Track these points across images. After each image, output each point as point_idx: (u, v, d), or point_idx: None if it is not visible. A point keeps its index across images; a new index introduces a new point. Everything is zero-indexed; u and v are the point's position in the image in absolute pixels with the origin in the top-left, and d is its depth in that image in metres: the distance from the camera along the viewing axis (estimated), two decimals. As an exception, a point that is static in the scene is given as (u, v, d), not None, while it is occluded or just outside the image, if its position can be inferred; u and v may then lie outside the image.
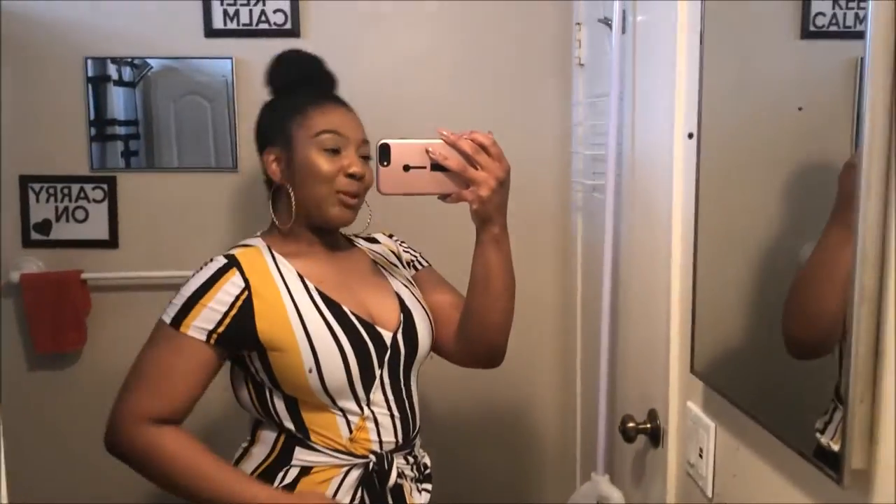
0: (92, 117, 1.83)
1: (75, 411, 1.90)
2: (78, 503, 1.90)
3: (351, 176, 1.20)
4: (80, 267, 1.84)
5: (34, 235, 1.85)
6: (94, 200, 1.85)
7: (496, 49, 1.86)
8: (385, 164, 1.13)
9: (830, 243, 0.75)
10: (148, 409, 1.14)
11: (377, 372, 1.20)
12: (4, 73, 1.79)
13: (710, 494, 1.06)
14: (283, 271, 1.20)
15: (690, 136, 1.08)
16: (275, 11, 1.80)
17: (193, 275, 1.18)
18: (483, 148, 1.12)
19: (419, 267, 1.40)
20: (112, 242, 1.86)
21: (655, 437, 1.26)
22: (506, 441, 2.00)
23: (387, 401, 1.21)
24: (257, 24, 1.80)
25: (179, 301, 1.16)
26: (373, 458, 1.19)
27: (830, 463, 0.73)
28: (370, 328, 1.20)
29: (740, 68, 0.99)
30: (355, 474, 1.19)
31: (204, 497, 1.12)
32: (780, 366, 0.87)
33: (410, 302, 1.28)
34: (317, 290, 1.19)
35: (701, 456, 1.08)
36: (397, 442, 1.22)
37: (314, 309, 1.17)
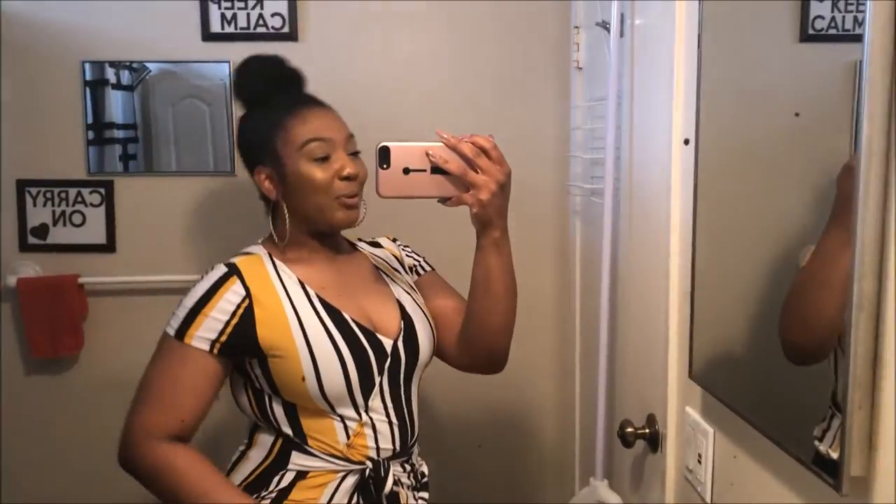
0: (90, 121, 1.82)
1: (72, 416, 1.90)
2: (75, 508, 1.89)
3: (346, 178, 1.20)
4: (78, 271, 1.83)
5: (31, 240, 1.84)
6: (92, 205, 1.84)
7: (495, 52, 1.86)
8: (385, 166, 1.12)
9: (829, 247, 0.74)
10: (159, 424, 1.14)
11: (377, 379, 1.19)
12: (1, 76, 1.79)
13: (708, 500, 1.06)
14: (283, 278, 1.20)
15: (686, 142, 1.08)
16: (272, 15, 1.80)
17: (195, 285, 1.18)
18: (484, 151, 1.11)
19: (422, 272, 1.39)
20: (109, 247, 1.85)
21: (654, 442, 1.26)
22: (504, 445, 1.99)
23: (385, 408, 1.21)
24: (255, 28, 1.80)
25: (182, 312, 1.15)
26: (369, 464, 1.19)
27: (829, 470, 0.73)
28: (371, 336, 1.20)
29: (739, 72, 0.98)
30: (351, 480, 1.19)
31: None
32: (779, 372, 0.86)
33: (411, 308, 1.27)
34: (318, 296, 1.19)
35: (700, 461, 1.08)
36: (395, 449, 1.22)
37: (315, 316, 1.17)
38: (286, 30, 1.81)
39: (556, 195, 1.90)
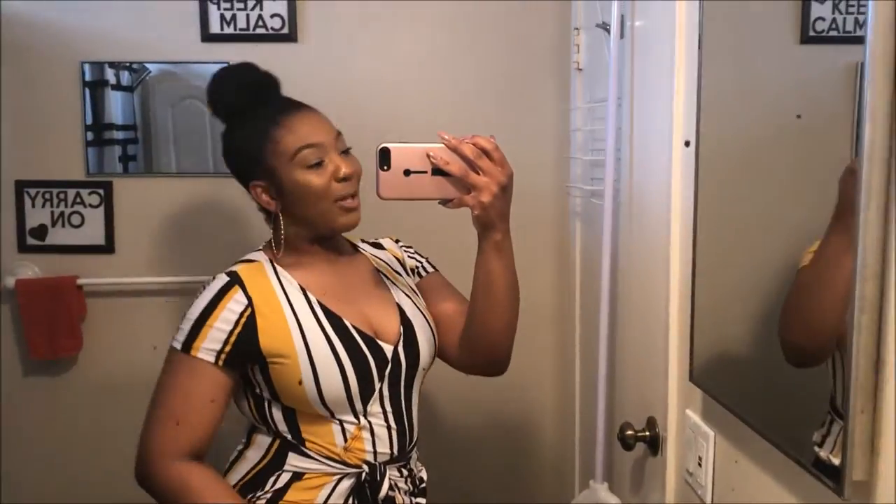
0: (89, 122, 1.82)
1: (71, 417, 1.89)
2: (73, 509, 1.89)
3: (343, 179, 1.19)
4: (76, 272, 1.83)
5: (30, 240, 1.84)
6: (91, 205, 1.84)
7: (495, 53, 1.86)
8: (385, 168, 1.10)
9: (830, 249, 0.74)
10: (174, 441, 1.13)
11: (377, 386, 1.19)
12: (1, 77, 1.79)
13: (709, 503, 1.05)
14: (285, 285, 1.19)
15: (687, 143, 1.07)
16: (272, 16, 1.80)
17: (197, 296, 1.17)
18: (485, 152, 1.09)
19: (424, 273, 1.38)
20: (108, 248, 1.85)
21: (654, 444, 1.25)
22: (503, 448, 1.99)
23: (385, 412, 1.21)
24: (254, 29, 1.80)
25: (187, 325, 1.15)
26: (365, 468, 1.19)
27: (830, 474, 0.72)
28: (371, 342, 1.19)
29: (739, 73, 0.98)
30: (347, 483, 1.18)
31: None
32: (781, 374, 0.86)
33: (412, 313, 1.27)
34: (319, 303, 1.19)
35: (700, 464, 1.07)
36: (392, 454, 1.22)
37: (316, 323, 1.16)
38: (285, 31, 1.80)
39: (556, 197, 1.90)
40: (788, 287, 0.84)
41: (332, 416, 1.17)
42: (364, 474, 1.18)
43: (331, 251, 1.26)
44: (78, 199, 1.84)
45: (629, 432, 1.28)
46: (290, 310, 1.16)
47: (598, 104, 1.60)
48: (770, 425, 0.88)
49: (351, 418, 1.18)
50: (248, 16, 1.80)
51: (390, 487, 1.20)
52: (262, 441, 1.21)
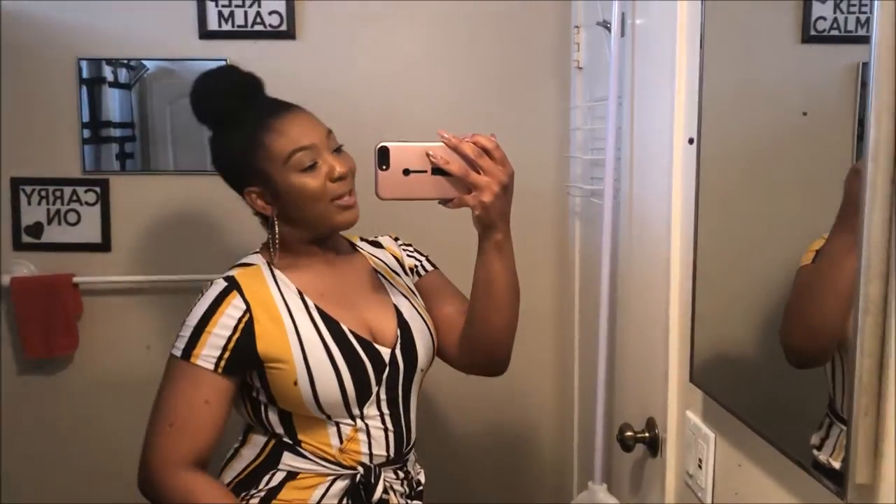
0: (86, 119, 1.81)
1: (67, 416, 1.88)
2: (69, 509, 1.88)
3: (338, 178, 1.18)
4: (72, 270, 1.82)
5: (25, 238, 1.83)
6: (87, 203, 1.83)
7: (494, 52, 1.85)
8: (384, 167, 1.08)
9: (834, 250, 0.73)
10: (177, 450, 1.13)
11: (374, 389, 1.19)
12: (-3, 73, 1.78)
13: (708, 505, 1.05)
14: (282, 289, 1.19)
15: (691, 141, 1.06)
16: (270, 13, 1.79)
17: (196, 302, 1.16)
18: (486, 151, 1.07)
19: (423, 272, 1.37)
20: (104, 246, 1.84)
21: (654, 446, 1.25)
22: (502, 449, 1.98)
23: (381, 415, 1.20)
24: (252, 26, 1.79)
25: (186, 332, 1.14)
26: (360, 469, 1.18)
27: (831, 477, 0.72)
28: (368, 346, 1.19)
29: (740, 73, 0.97)
30: (341, 484, 1.18)
31: None
32: (783, 376, 0.85)
33: (409, 314, 1.26)
34: (316, 307, 1.18)
35: (700, 466, 1.07)
36: (388, 456, 1.21)
37: (313, 329, 1.16)
38: (284, 28, 1.79)
39: (556, 196, 1.89)
40: (790, 287, 0.83)
41: (329, 418, 1.17)
42: (359, 476, 1.18)
43: (329, 251, 1.25)
44: (74, 197, 1.82)
45: (628, 433, 1.27)
46: (287, 315, 1.16)
47: (599, 103, 1.59)
48: (772, 427, 0.87)
49: (347, 420, 1.18)
50: (246, 13, 1.79)
51: (385, 490, 1.19)
52: (258, 440, 1.21)
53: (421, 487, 1.28)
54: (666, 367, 1.18)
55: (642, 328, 1.32)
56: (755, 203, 0.95)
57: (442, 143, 1.08)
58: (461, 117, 1.84)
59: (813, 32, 0.79)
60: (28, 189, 1.82)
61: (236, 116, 1.19)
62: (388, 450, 1.20)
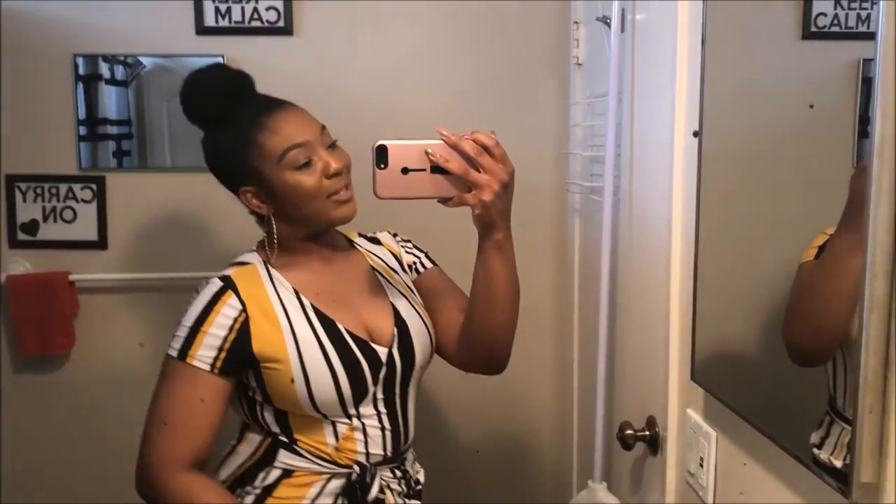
0: (83, 116, 1.80)
1: (64, 415, 1.88)
2: (66, 507, 1.87)
3: (333, 174, 1.17)
4: (68, 268, 1.81)
5: (21, 236, 1.82)
6: (83, 200, 1.82)
7: (493, 48, 1.84)
8: (382, 166, 1.06)
9: (840, 249, 0.72)
10: (176, 453, 1.12)
11: (370, 389, 1.18)
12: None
13: (710, 504, 1.04)
14: (278, 288, 1.18)
15: (695, 134, 1.05)
16: (267, 9, 1.78)
17: (191, 302, 1.16)
18: (486, 149, 1.05)
19: (421, 269, 1.36)
20: (101, 243, 1.83)
21: (654, 444, 1.24)
22: (501, 447, 1.97)
23: (378, 414, 1.19)
24: (249, 22, 1.78)
25: (182, 332, 1.14)
26: (356, 468, 1.17)
27: (833, 475, 0.72)
28: (365, 346, 1.18)
29: (742, 69, 0.97)
30: (337, 483, 1.18)
31: None
32: (785, 373, 0.85)
33: (406, 313, 1.25)
34: (312, 306, 1.17)
35: (701, 465, 1.06)
36: (385, 455, 1.20)
37: (309, 328, 1.15)
38: (281, 24, 1.78)
39: (555, 193, 1.88)
40: (792, 283, 0.83)
41: (325, 417, 1.16)
42: (354, 475, 1.17)
43: (325, 248, 1.25)
44: (70, 194, 1.81)
45: (629, 432, 1.27)
46: (283, 314, 1.15)
47: (598, 99, 1.58)
48: (775, 425, 0.87)
49: (343, 419, 1.17)
50: (242, 8, 1.77)
51: (380, 489, 1.19)
52: (254, 437, 1.21)
53: (420, 487, 1.27)
54: (666, 365, 1.17)
55: (642, 325, 1.31)
56: (756, 200, 0.95)
57: (441, 141, 1.06)
58: (460, 114, 1.83)
59: (814, 29, 0.79)
60: (24, 186, 1.81)
61: (227, 115, 1.18)
62: (384, 449, 1.20)
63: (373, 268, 1.30)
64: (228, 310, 1.13)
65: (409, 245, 1.40)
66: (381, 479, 1.19)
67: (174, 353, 1.13)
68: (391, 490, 1.21)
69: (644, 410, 1.28)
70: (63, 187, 1.81)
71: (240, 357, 1.13)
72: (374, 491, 1.17)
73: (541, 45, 1.84)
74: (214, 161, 1.22)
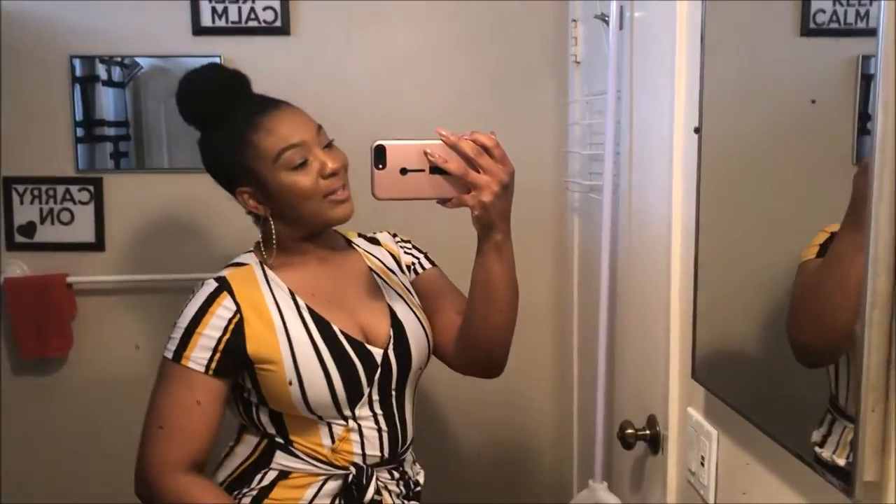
0: (79, 118, 1.80)
1: (62, 417, 1.87)
2: (65, 509, 1.87)
3: (330, 175, 1.16)
4: (66, 270, 1.81)
5: (18, 238, 1.82)
6: (80, 202, 1.81)
7: (491, 47, 1.84)
8: (380, 167, 1.04)
9: (845, 248, 0.71)
10: (174, 455, 1.12)
11: (365, 390, 1.17)
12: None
13: (711, 503, 1.03)
14: (274, 289, 1.18)
15: (696, 130, 1.05)
16: (264, 9, 1.77)
17: (187, 303, 1.16)
18: (485, 149, 1.04)
19: (420, 270, 1.35)
20: (98, 245, 1.83)
21: (655, 443, 1.24)
22: (501, 447, 1.97)
23: (374, 415, 1.19)
24: (246, 22, 1.78)
25: (177, 334, 1.14)
26: (353, 470, 1.17)
27: (835, 474, 0.71)
28: (360, 347, 1.17)
29: (740, 66, 0.97)
30: (333, 484, 1.17)
31: None
32: (786, 371, 0.84)
33: (403, 314, 1.24)
34: (307, 307, 1.17)
35: (703, 464, 1.05)
36: (383, 456, 1.20)
37: (303, 330, 1.15)
38: (278, 24, 1.78)
39: (554, 192, 1.88)
40: (794, 281, 0.82)
41: (320, 419, 1.16)
42: (351, 476, 1.17)
43: (323, 248, 1.24)
44: (67, 196, 1.81)
45: (629, 431, 1.26)
46: (278, 315, 1.15)
47: (597, 97, 1.58)
48: (776, 424, 0.86)
49: (339, 421, 1.17)
50: (239, 8, 1.77)
51: (377, 491, 1.18)
52: (251, 439, 1.20)
53: (419, 488, 1.27)
54: (667, 364, 1.17)
55: (643, 324, 1.31)
56: (756, 197, 0.94)
57: (440, 142, 1.04)
58: (458, 113, 1.83)
59: (812, 25, 0.78)
60: (21, 188, 1.80)
61: (223, 116, 1.18)
62: (381, 450, 1.19)
63: (370, 268, 1.29)
64: (223, 311, 1.13)
65: (409, 246, 1.39)
66: (379, 480, 1.19)
67: (169, 355, 1.13)
68: (389, 491, 1.20)
69: (644, 409, 1.28)
70: (60, 189, 1.80)
71: (234, 358, 1.12)
72: (371, 492, 1.17)
73: (539, 43, 1.84)
74: (211, 162, 1.22)
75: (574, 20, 1.75)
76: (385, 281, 1.28)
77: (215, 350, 1.12)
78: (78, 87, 1.79)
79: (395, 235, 1.39)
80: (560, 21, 1.82)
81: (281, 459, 1.17)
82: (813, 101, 0.81)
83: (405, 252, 1.37)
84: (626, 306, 1.41)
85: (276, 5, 1.77)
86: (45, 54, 1.77)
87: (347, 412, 1.16)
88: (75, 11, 1.77)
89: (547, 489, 1.97)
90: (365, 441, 1.18)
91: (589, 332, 1.62)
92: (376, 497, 1.18)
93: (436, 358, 1.31)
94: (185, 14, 1.77)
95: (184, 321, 1.14)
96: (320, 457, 1.17)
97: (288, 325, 1.14)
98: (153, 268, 1.82)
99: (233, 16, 1.77)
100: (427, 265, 1.36)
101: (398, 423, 1.21)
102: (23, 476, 1.88)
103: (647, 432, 1.24)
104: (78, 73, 1.78)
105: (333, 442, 1.16)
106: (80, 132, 1.80)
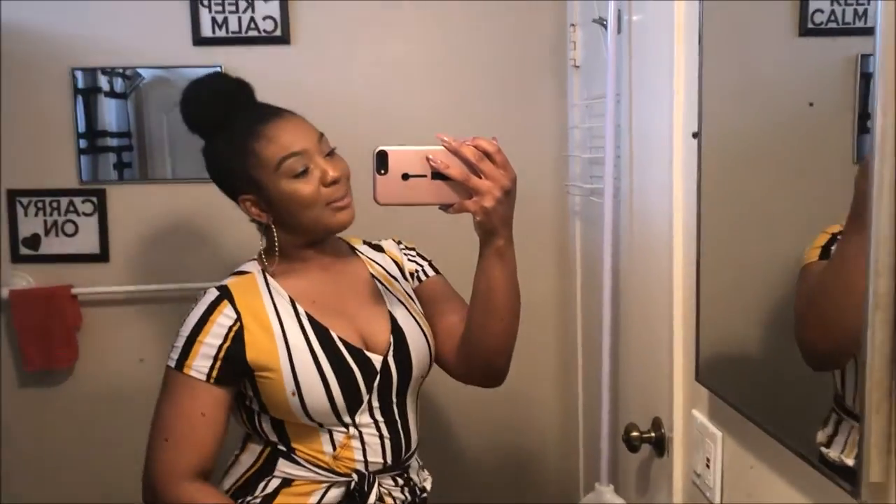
0: (82, 129, 1.80)
1: (69, 429, 1.87)
2: (72, 522, 1.86)
3: (331, 183, 1.17)
4: (71, 281, 1.81)
5: (23, 250, 1.82)
6: (84, 214, 1.82)
7: (490, 52, 1.84)
8: (382, 172, 1.05)
9: (849, 248, 0.71)
10: (180, 464, 1.13)
11: (365, 397, 1.17)
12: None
13: (718, 505, 1.04)
14: (275, 297, 1.18)
15: (695, 135, 1.05)
16: (264, 18, 1.78)
17: (189, 311, 1.17)
18: (487, 155, 1.04)
19: (423, 277, 1.35)
20: (102, 256, 1.83)
21: (660, 446, 1.23)
22: (506, 450, 1.97)
23: (375, 422, 1.19)
24: (246, 32, 1.78)
25: (179, 342, 1.15)
26: (355, 477, 1.17)
27: (841, 474, 0.71)
28: (358, 354, 1.17)
29: (739, 67, 0.97)
30: (336, 492, 1.17)
31: None
32: (790, 373, 0.84)
33: (404, 321, 1.24)
34: (307, 314, 1.17)
35: (708, 466, 1.05)
36: (385, 463, 1.20)
37: (302, 337, 1.15)
38: (278, 33, 1.78)
39: (555, 196, 1.88)
40: (796, 283, 0.82)
41: (320, 426, 1.16)
42: (353, 483, 1.17)
43: (326, 255, 1.24)
44: (71, 208, 1.81)
45: (634, 433, 1.26)
46: (277, 324, 1.15)
47: (596, 101, 1.58)
48: (780, 425, 0.86)
49: (339, 428, 1.17)
50: (239, 18, 1.77)
51: (379, 497, 1.18)
52: (254, 447, 1.21)
53: (425, 494, 1.26)
54: (671, 366, 1.17)
55: (646, 327, 1.31)
56: (757, 198, 0.94)
57: (442, 147, 1.05)
58: (458, 119, 1.83)
59: (811, 25, 0.79)
60: (25, 201, 1.81)
61: (226, 124, 1.19)
62: (384, 457, 1.19)
63: (372, 275, 1.29)
64: (224, 319, 1.14)
65: (413, 253, 1.38)
66: (382, 486, 1.19)
67: (172, 364, 1.14)
68: (393, 498, 1.20)
69: (649, 412, 1.28)
70: (64, 201, 1.81)
71: (234, 366, 1.13)
72: (372, 499, 1.17)
73: (537, 48, 1.84)
74: (214, 170, 1.23)
75: (572, 24, 1.75)
76: (387, 288, 1.28)
77: (216, 358, 1.12)
78: (80, 98, 1.79)
79: (399, 242, 1.39)
80: (558, 25, 1.82)
81: (284, 467, 1.17)
82: (811, 104, 0.81)
83: (409, 259, 1.37)
84: (629, 309, 1.41)
85: (276, 15, 1.77)
86: (46, 67, 1.78)
87: (347, 419, 1.16)
88: (76, 24, 1.77)
89: (553, 492, 1.96)
90: (367, 448, 1.18)
91: (593, 335, 1.62)
92: None
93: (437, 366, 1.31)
94: (185, 24, 1.77)
95: (185, 330, 1.15)
96: (322, 464, 1.17)
97: (287, 332, 1.15)
98: (158, 278, 1.83)
99: (233, 26, 1.77)
100: (431, 273, 1.36)
101: (401, 430, 1.21)
102: (28, 489, 1.87)
103: (652, 435, 1.24)
104: (80, 84, 1.79)
105: (335, 449, 1.17)
106: (82, 143, 1.80)
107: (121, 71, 1.79)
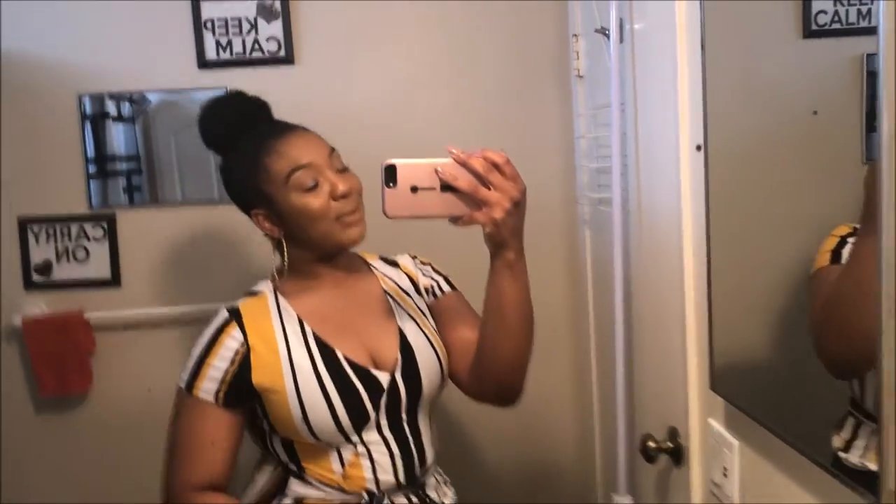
0: (91, 155, 1.81)
1: (84, 455, 1.87)
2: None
3: (341, 196, 1.17)
4: (83, 307, 1.82)
5: (35, 277, 1.83)
6: (95, 239, 1.83)
7: (494, 65, 1.84)
8: (391, 185, 1.04)
9: (864, 251, 0.69)
10: (189, 481, 1.15)
11: (371, 415, 1.16)
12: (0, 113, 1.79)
13: (737, 515, 1.02)
14: (284, 317, 1.19)
15: (699, 148, 1.04)
16: (268, 39, 1.79)
17: (202, 332, 1.18)
18: (496, 166, 1.03)
19: (439, 293, 1.33)
20: (114, 281, 1.84)
21: (677, 456, 1.22)
22: (523, 462, 1.95)
23: (384, 439, 1.18)
24: (251, 54, 1.79)
25: (190, 364, 1.16)
26: (365, 495, 1.16)
27: (858, 479, 0.70)
28: (364, 373, 1.17)
29: (744, 71, 0.96)
30: None
31: None
32: (805, 379, 0.83)
33: (414, 338, 1.22)
34: (314, 334, 1.18)
35: (725, 475, 1.04)
36: (398, 481, 1.18)
37: (307, 357, 1.15)
38: (282, 54, 1.79)
39: (564, 206, 1.87)
40: (809, 290, 0.81)
41: (328, 445, 1.16)
42: (363, 502, 1.16)
43: (338, 271, 1.24)
44: (81, 233, 1.82)
45: (651, 444, 1.25)
46: (284, 345, 1.16)
47: (601, 110, 1.58)
48: (796, 433, 0.85)
49: (347, 446, 1.17)
50: (243, 40, 1.79)
51: None
52: (268, 468, 1.22)
53: (444, 511, 1.25)
54: (685, 375, 1.16)
55: (659, 336, 1.30)
56: (765, 201, 0.94)
57: (450, 160, 1.04)
58: (465, 132, 1.83)
59: (814, 27, 0.78)
60: (36, 228, 1.82)
61: (239, 141, 1.21)
62: (395, 475, 1.18)
63: (385, 291, 1.29)
64: (231, 342, 1.15)
65: (428, 268, 1.37)
66: None
67: (183, 385, 1.16)
68: None
69: (665, 422, 1.26)
70: (74, 227, 1.82)
71: (240, 389, 1.14)
72: None
73: (541, 59, 1.84)
74: (228, 185, 1.25)
75: (575, 35, 1.75)
76: (398, 303, 1.27)
77: (222, 381, 1.14)
78: (88, 124, 1.81)
79: (415, 258, 1.38)
80: (561, 36, 1.82)
81: (295, 487, 1.18)
82: (815, 113, 0.80)
83: (423, 275, 1.35)
84: (642, 318, 1.40)
85: (280, 35, 1.79)
86: (53, 93, 1.79)
87: (354, 437, 1.16)
88: (82, 50, 1.79)
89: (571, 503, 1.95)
90: (376, 466, 1.17)
91: (606, 346, 1.61)
92: None
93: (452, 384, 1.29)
94: (189, 48, 1.79)
95: (196, 351, 1.16)
96: (332, 483, 1.16)
97: (293, 353, 1.15)
98: (170, 301, 1.83)
99: (237, 48, 1.79)
100: (446, 288, 1.34)
101: (413, 447, 1.20)
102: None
103: (669, 445, 1.23)
104: (87, 110, 1.80)
105: (343, 467, 1.16)
106: (91, 169, 1.82)
107: (128, 95, 1.81)
